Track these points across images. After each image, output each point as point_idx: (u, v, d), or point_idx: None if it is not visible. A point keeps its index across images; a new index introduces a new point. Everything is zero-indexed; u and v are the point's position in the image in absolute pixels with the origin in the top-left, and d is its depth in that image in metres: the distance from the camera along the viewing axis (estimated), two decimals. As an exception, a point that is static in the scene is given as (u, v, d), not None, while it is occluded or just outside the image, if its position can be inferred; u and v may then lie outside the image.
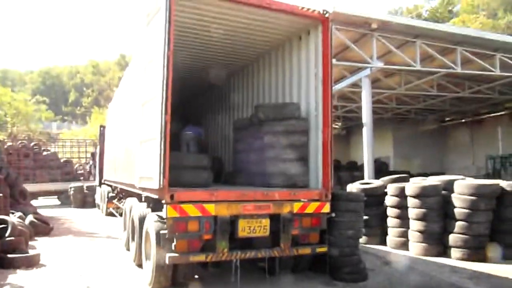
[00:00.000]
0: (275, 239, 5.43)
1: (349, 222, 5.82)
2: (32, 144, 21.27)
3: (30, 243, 8.10)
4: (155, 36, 5.45)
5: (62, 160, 22.32)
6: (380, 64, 10.35)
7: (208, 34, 6.74)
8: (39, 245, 8.06)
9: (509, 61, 11.14)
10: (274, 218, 5.36)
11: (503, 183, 7.13)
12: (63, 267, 6.54)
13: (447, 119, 21.44)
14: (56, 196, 20.61)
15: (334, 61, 9.81)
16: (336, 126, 24.62)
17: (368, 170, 9.97)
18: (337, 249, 5.74)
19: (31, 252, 7.00)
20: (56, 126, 51.59)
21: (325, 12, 6.08)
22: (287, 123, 6.00)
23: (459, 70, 10.94)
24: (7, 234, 6.69)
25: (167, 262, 4.88)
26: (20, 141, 21.23)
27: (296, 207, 5.46)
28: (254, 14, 6.05)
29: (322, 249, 5.64)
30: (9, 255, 6.34)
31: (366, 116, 10.20)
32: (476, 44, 10.81)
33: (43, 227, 9.67)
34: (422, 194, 7.31)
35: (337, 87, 12.13)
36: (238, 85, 8.84)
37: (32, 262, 6.51)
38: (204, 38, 6.98)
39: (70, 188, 19.09)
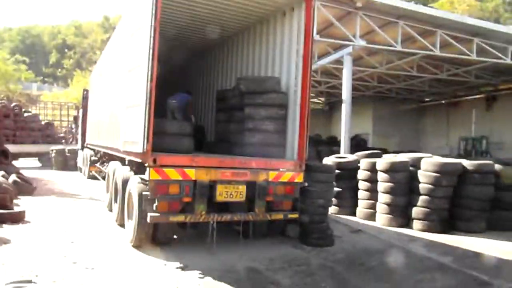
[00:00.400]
0: (250, 205, 5.81)
1: (320, 192, 6.27)
2: (12, 104, 20.97)
3: (14, 201, 8.31)
4: (143, 4, 5.59)
5: (43, 122, 22.14)
6: (363, 43, 10.64)
7: (194, 4, 6.87)
8: (23, 204, 8.29)
9: (486, 46, 11.55)
10: (250, 185, 5.72)
11: (465, 162, 7.67)
12: (47, 224, 6.84)
13: (426, 99, 22.03)
14: (37, 158, 20.61)
15: (318, 37, 10.10)
16: (319, 101, 25.01)
17: (344, 145, 10.43)
18: (307, 216, 6.19)
19: (16, 209, 7.26)
20: (37, 87, 50.35)
21: (308, -10, 6.28)
22: (267, 96, 6.30)
23: (437, 52, 11.32)
24: (-8, 191, 6.91)
25: (148, 221, 5.23)
26: (0, 102, 20.91)
27: (272, 175, 5.83)
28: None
29: (294, 215, 6.08)
30: (-5, 211, 6.59)
31: (346, 93, 10.55)
32: (456, 28, 11.16)
33: (26, 187, 9.88)
34: (391, 170, 7.81)
35: (320, 62, 12.40)
36: (222, 56, 9.02)
37: (17, 218, 6.79)
38: (190, 8, 7.11)
39: (52, 150, 19.10)
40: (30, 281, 4.09)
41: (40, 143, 20.14)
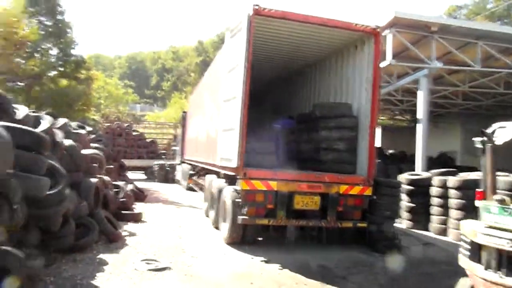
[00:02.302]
0: (323, 213, 6.80)
1: (387, 204, 7.02)
2: (125, 125, 24.39)
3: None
4: (237, 49, 7.00)
5: (148, 140, 25.28)
6: (439, 65, 11.00)
7: (277, 44, 8.17)
8: (138, 208, 10.19)
9: None
10: (324, 196, 6.73)
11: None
12: (159, 224, 8.52)
13: (523, 115, 20.74)
14: (142, 171, 23.60)
15: (393, 61, 10.77)
16: (403, 119, 24.80)
17: (419, 162, 10.83)
18: (375, 226, 6.97)
19: (136, 211, 9.10)
20: (140, 108, 56.63)
21: (377, 27, 7.22)
22: (339, 120, 7.29)
23: (521, 70, 11.20)
24: (120, 196, 8.83)
25: (239, 222, 6.51)
26: (115, 123, 24.46)
27: (342, 188, 6.78)
28: (318, 29, 7.36)
29: (362, 225, 6.93)
30: (122, 211, 8.44)
31: (422, 113, 10.97)
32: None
33: (139, 195, 11.94)
34: (463, 187, 8.18)
35: (399, 83, 12.89)
36: (303, 83, 10.17)
37: (137, 218, 8.58)
38: (277, 42, 8.34)
39: (155, 165, 21.82)
40: (155, 260, 5.58)
41: (145, 159, 23.11)
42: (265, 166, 6.96)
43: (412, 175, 9.78)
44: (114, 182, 9.36)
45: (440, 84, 14.85)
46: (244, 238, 6.94)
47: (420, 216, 9.24)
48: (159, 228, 8.03)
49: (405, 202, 9.62)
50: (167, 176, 21.29)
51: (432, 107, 19.19)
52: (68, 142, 6.68)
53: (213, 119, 9.02)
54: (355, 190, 6.84)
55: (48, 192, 4.59)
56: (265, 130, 10.08)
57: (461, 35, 10.88)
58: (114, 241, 6.45)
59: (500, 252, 3.60)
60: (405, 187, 9.48)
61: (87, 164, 7.35)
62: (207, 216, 9.35)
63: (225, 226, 7.18)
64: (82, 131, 9.01)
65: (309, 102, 9.61)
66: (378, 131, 26.06)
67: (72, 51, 20.63)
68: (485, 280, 3.70)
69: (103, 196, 7.45)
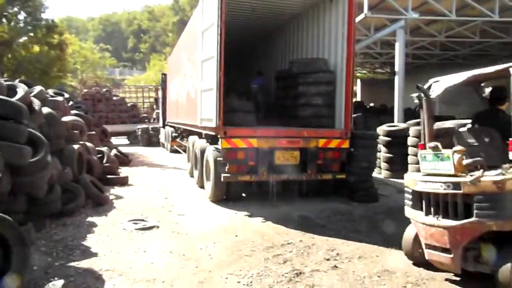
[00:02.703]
0: (304, 167, 7.05)
1: (364, 156, 7.30)
2: (104, 90, 23.98)
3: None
4: (211, 8, 6.92)
5: (129, 105, 25.01)
6: (415, 15, 11.03)
7: (254, 2, 8.08)
8: (124, 172, 10.32)
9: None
10: (303, 151, 6.95)
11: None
12: (145, 186, 8.70)
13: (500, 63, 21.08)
14: (125, 136, 23.52)
15: (369, 13, 10.75)
16: (383, 71, 24.98)
17: (397, 115, 11.11)
18: (353, 177, 7.27)
19: (121, 175, 9.23)
20: (119, 72, 55.33)
21: (351, -19, 7.16)
22: (316, 76, 7.39)
23: (496, 18, 11.31)
24: (104, 161, 8.91)
25: (222, 180, 6.72)
26: (94, 88, 24.02)
27: (321, 142, 7.00)
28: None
29: (341, 176, 7.22)
30: (108, 176, 8.57)
31: (399, 65, 11.12)
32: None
33: (124, 159, 12.04)
34: (438, 135, 8.48)
35: (376, 36, 12.91)
36: (280, 40, 10.15)
37: (123, 182, 8.74)
38: (251, 5, 8.29)
39: (138, 129, 21.75)
40: (143, 219, 5.80)
41: (127, 123, 22.96)
42: (246, 124, 7.10)
43: (389, 126, 10.07)
44: (97, 148, 9.40)
45: (417, 35, 14.92)
46: (228, 195, 7.20)
47: (398, 165, 9.61)
48: (145, 190, 8.22)
49: (383, 153, 9.98)
50: (151, 140, 21.31)
51: (411, 59, 19.40)
52: (46, 109, 6.65)
53: (193, 80, 9.01)
54: (333, 144, 7.07)
55: (30, 160, 4.66)
56: (244, 89, 10.15)
57: (437, -17, 10.85)
58: (101, 205, 6.63)
59: (436, 197, 3.77)
60: (383, 138, 9.81)
61: (67, 131, 7.37)
62: (192, 176, 9.55)
63: (209, 185, 7.40)
64: (60, 98, 8.90)
65: (287, 59, 9.63)
66: (358, 85, 26.31)
67: (43, 15, 19.85)
68: (425, 224, 3.89)
69: (87, 161, 7.54)
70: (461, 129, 4.56)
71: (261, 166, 6.76)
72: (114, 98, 24.00)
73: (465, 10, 11.83)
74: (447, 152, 3.75)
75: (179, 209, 6.64)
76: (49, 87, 11.52)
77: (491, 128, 4.16)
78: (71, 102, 11.33)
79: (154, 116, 23.54)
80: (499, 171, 3.55)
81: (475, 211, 3.47)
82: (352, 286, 3.85)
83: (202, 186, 8.20)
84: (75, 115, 9.52)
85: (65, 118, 7.76)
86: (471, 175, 3.54)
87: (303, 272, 4.10)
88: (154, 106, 24.49)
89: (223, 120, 6.56)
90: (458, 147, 3.84)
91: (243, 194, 7.54)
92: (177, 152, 14.80)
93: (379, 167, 10.06)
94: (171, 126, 15.17)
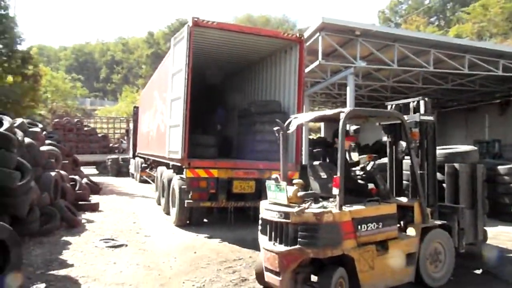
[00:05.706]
0: (259, 195, 7.97)
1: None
2: (75, 120, 24.45)
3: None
4: (180, 55, 8.00)
5: (99, 135, 25.47)
6: (363, 64, 12.55)
7: (217, 50, 9.26)
8: (94, 199, 10.95)
9: (477, 61, 13.08)
10: (258, 181, 7.92)
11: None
12: (115, 212, 9.42)
13: (447, 106, 23.22)
14: (94, 166, 23.86)
15: (323, 61, 12.19)
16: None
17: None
18: (302, 204, 8.27)
19: (92, 201, 9.90)
20: (90, 102, 55.48)
21: (301, 35, 8.53)
22: (271, 116, 8.48)
23: (431, 69, 13.02)
24: (77, 188, 9.60)
25: (186, 206, 7.59)
26: (65, 118, 24.45)
27: (274, 173, 7.99)
28: (249, 37, 8.52)
29: (291, 204, 8.20)
30: (80, 202, 9.24)
31: (350, 106, 12.48)
32: (447, 47, 12.81)
33: (94, 187, 12.63)
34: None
35: (333, 79, 14.36)
36: (242, 81, 11.33)
37: (94, 208, 9.43)
38: (218, 46, 9.35)
39: (108, 159, 22.22)
40: (113, 239, 6.57)
41: (97, 153, 23.39)
42: (208, 157, 8.06)
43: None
44: (70, 176, 10.07)
45: (369, 80, 16.60)
46: (191, 220, 8.04)
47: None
48: (115, 215, 8.94)
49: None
50: (120, 170, 21.76)
51: (366, 100, 21.17)
52: (27, 140, 7.41)
53: (163, 116, 9.95)
54: (285, 175, 8.10)
55: (18, 184, 5.43)
56: (209, 125, 11.20)
57: (381, 38, 12.46)
58: (74, 227, 7.33)
59: (274, 224, 4.13)
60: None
61: (45, 159, 8.10)
62: (159, 204, 10.31)
63: (174, 210, 8.22)
64: (37, 129, 9.62)
65: (248, 99, 10.78)
66: (322, 123, 27.85)
67: (19, 47, 20.48)
68: (265, 249, 4.24)
69: (61, 188, 8.24)
70: (315, 163, 5.13)
71: (221, 194, 7.68)
72: (85, 128, 24.47)
73: (407, 61, 13.49)
74: (283, 184, 4.24)
75: (146, 231, 7.43)
76: (19, 117, 12.12)
77: (331, 163, 4.75)
78: (44, 132, 11.98)
79: (124, 146, 24.07)
80: (321, 204, 4.06)
81: (299, 239, 3.88)
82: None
83: (168, 213, 8.98)
84: (50, 144, 10.22)
85: (42, 148, 8.50)
86: (299, 207, 3.94)
87: (248, 279, 5.00)
88: (125, 137, 25.07)
89: (188, 152, 7.50)
90: (297, 180, 4.39)
91: (205, 220, 8.41)
92: (146, 182, 15.48)
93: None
94: (141, 157, 15.87)
